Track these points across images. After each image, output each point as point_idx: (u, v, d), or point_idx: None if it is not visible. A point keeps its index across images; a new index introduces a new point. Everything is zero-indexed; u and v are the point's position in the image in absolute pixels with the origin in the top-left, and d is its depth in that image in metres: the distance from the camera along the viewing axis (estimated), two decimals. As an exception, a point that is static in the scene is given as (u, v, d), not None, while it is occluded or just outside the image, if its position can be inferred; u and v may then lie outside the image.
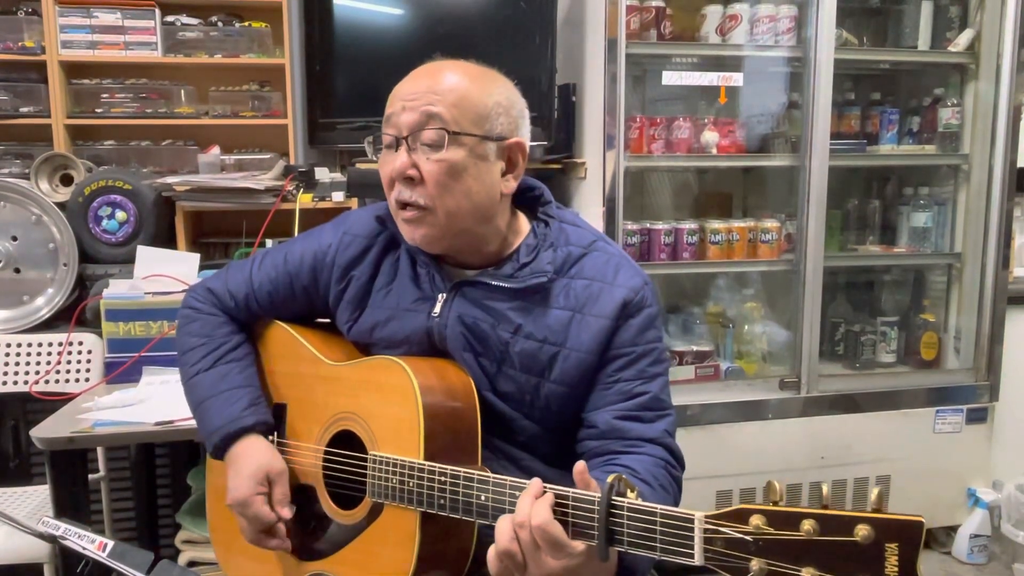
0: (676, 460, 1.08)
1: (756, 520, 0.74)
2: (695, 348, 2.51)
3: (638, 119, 2.41)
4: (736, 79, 2.42)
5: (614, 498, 0.83)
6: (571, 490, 0.86)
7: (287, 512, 1.11)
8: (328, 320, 1.27)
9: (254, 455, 1.13)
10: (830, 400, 2.46)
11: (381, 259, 1.17)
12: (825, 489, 0.75)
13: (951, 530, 2.60)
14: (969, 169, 2.56)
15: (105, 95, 2.47)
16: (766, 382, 2.47)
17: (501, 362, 1.08)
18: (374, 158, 1.11)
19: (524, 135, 1.10)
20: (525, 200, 1.17)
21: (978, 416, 2.55)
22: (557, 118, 2.50)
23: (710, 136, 2.44)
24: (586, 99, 2.43)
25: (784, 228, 2.51)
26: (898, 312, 2.76)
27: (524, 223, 1.15)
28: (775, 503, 0.75)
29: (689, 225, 2.43)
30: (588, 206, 2.37)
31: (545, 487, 0.87)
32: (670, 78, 2.39)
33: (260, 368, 1.24)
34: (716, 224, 2.46)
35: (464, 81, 1.04)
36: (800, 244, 2.43)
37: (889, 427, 2.48)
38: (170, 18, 2.48)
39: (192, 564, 1.92)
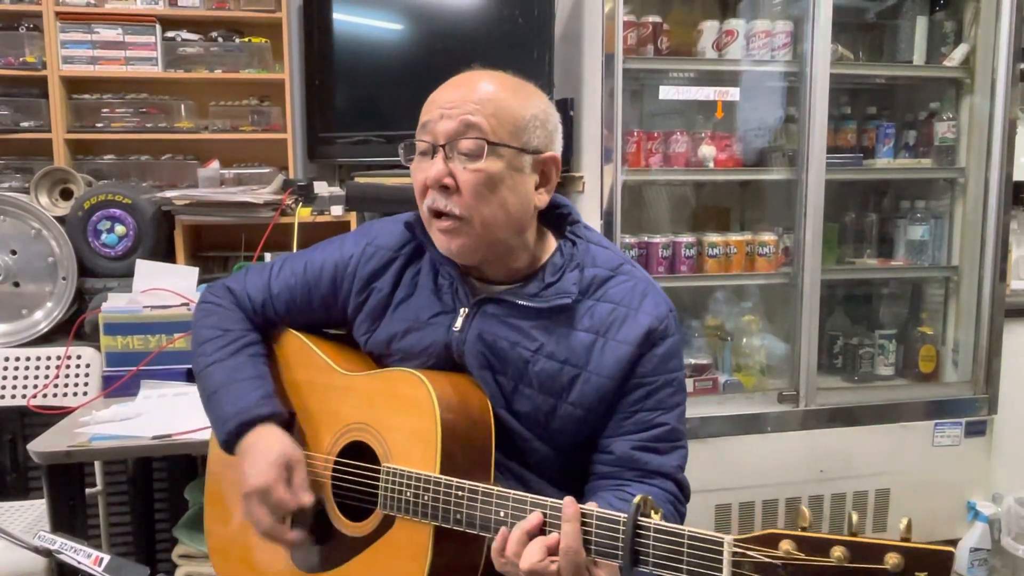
0: (684, 496, 1.08)
1: (786, 545, 0.74)
2: (693, 361, 2.51)
3: (636, 133, 2.42)
4: (733, 94, 2.43)
5: (640, 519, 0.83)
6: (595, 509, 0.86)
7: (308, 498, 1.08)
8: (342, 332, 1.26)
9: (274, 443, 1.10)
10: (829, 413, 2.45)
11: (403, 271, 1.16)
12: (854, 517, 0.75)
13: (951, 544, 2.59)
14: (965, 182, 2.57)
15: (105, 110, 2.49)
16: (764, 395, 2.46)
17: (519, 380, 1.07)
18: (406, 164, 1.09)
19: (558, 149, 1.10)
20: (552, 218, 1.16)
21: (977, 429, 2.54)
22: (555, 132, 2.51)
23: (707, 150, 2.45)
24: (584, 114, 2.44)
25: (781, 241, 2.51)
26: (896, 325, 2.76)
27: (551, 241, 1.15)
28: (804, 529, 0.75)
29: (687, 238, 2.44)
30: (586, 219, 2.34)
31: (580, 508, 0.88)
32: (667, 93, 2.40)
33: (273, 375, 1.23)
34: (714, 237, 2.46)
35: (503, 92, 1.04)
36: (797, 257, 2.44)
37: (888, 440, 2.47)
38: (170, 34, 2.49)
39: (189, 579, 1.91)
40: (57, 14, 2.38)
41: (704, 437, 2.34)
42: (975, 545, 2.52)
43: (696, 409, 2.36)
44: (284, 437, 1.12)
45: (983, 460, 2.56)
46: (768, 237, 2.49)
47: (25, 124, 2.43)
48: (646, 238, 2.43)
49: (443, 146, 1.02)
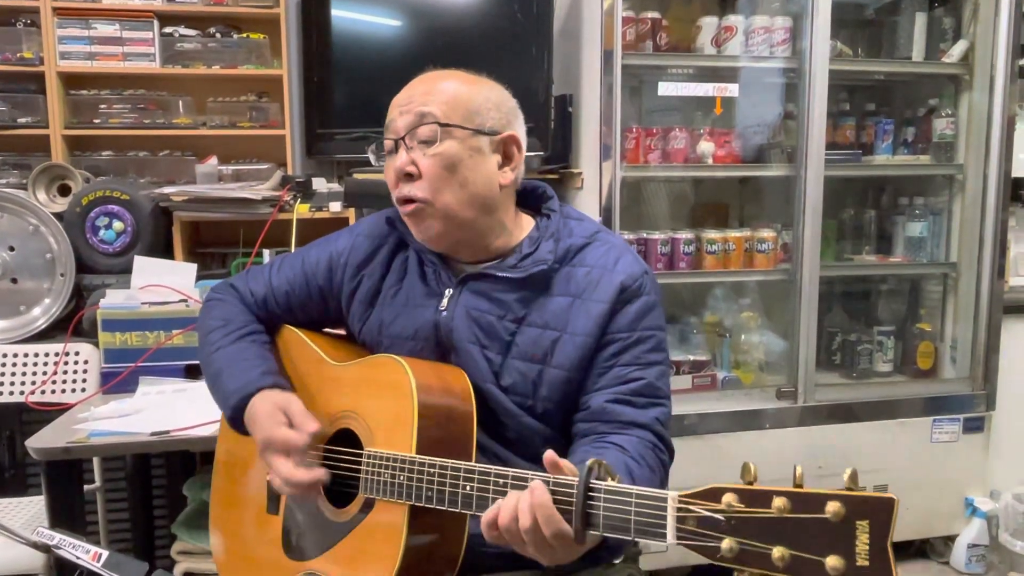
0: (665, 446, 1.08)
1: (728, 498, 0.73)
2: (692, 358, 2.52)
3: (634, 129, 2.42)
4: (732, 90, 2.43)
5: (592, 482, 0.83)
6: (552, 476, 0.86)
7: (312, 425, 1.06)
8: (343, 332, 1.30)
9: (267, 401, 1.11)
10: (827, 409, 2.46)
11: (391, 259, 1.22)
12: (799, 470, 0.73)
13: (949, 540, 2.59)
14: (964, 179, 2.57)
15: (103, 106, 2.48)
16: (763, 391, 2.47)
17: (506, 353, 1.11)
18: (378, 165, 1.17)
19: (518, 130, 1.14)
20: (531, 201, 1.21)
21: (975, 425, 2.55)
22: (554, 128, 2.51)
23: (706, 146, 2.45)
24: (583, 110, 2.44)
25: (780, 238, 2.51)
26: (894, 321, 2.76)
27: (528, 221, 1.20)
28: (749, 483, 0.74)
29: (685, 235, 2.44)
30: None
31: (533, 475, 0.88)
32: (666, 89, 2.40)
33: None
34: (712, 234, 2.47)
35: (453, 83, 1.11)
36: (796, 254, 2.44)
37: (886, 436, 2.48)
38: (168, 29, 2.49)
39: (187, 575, 1.91)
40: (54, 9, 2.37)
41: (702, 433, 2.34)
42: (973, 541, 2.52)
43: (695, 405, 2.37)
44: (276, 392, 1.13)
45: (981, 456, 2.56)
46: (767, 233, 2.49)
47: (22, 120, 2.43)
48: (645, 235, 2.43)
49: (403, 138, 1.09)
